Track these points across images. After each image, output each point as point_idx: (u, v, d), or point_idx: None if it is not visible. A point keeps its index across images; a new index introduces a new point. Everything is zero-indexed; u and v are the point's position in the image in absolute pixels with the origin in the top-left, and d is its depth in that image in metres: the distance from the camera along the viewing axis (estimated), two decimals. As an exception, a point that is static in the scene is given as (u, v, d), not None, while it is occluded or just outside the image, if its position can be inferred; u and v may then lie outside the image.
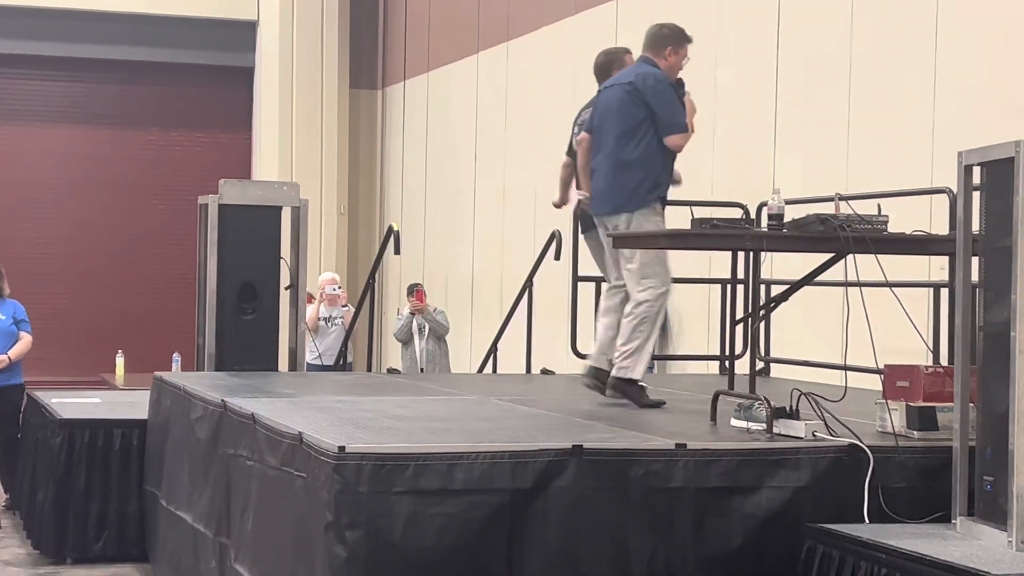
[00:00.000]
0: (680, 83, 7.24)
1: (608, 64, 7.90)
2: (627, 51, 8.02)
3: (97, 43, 19.00)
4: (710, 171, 11.73)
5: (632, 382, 7.02)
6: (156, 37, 19.07)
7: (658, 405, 7.01)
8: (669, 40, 7.26)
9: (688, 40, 7.32)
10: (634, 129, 7.05)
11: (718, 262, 10.33)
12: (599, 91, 7.47)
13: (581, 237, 7.93)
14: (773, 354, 9.47)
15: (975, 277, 5.21)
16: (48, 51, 18.92)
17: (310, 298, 12.93)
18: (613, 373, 7.10)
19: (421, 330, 13.43)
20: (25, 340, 11.00)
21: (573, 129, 7.97)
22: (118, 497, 9.01)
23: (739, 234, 6.43)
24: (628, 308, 7.10)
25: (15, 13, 18.48)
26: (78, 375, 16.99)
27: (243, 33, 19.31)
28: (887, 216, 6.27)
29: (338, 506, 4.98)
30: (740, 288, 8.23)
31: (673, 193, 10.60)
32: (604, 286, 7.74)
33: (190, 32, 19.21)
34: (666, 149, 7.07)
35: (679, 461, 5.32)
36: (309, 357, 12.89)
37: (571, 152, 7.97)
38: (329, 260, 18.25)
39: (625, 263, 7.13)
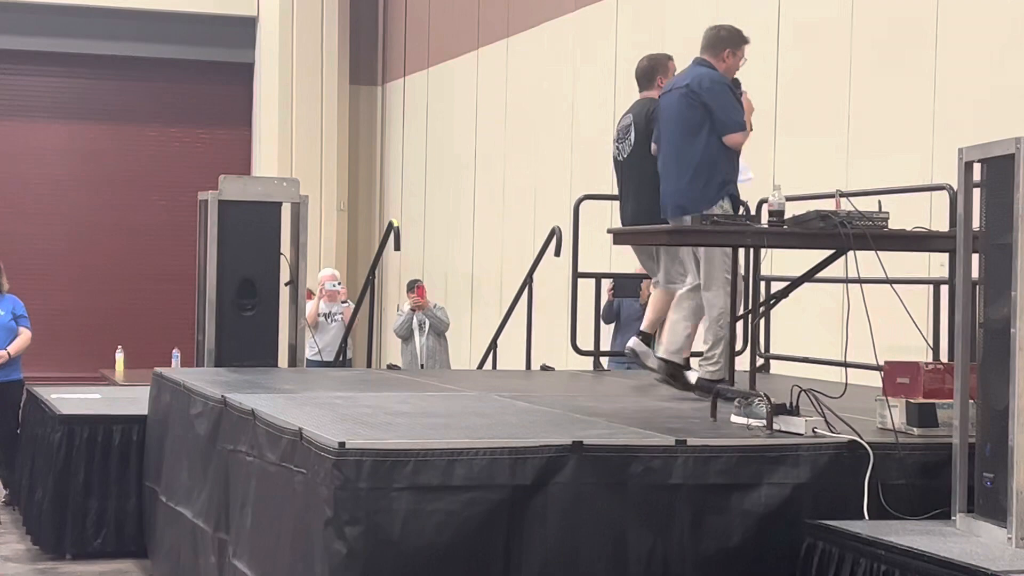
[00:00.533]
0: (736, 83, 7.27)
1: (652, 70, 7.92)
2: (670, 57, 8.04)
3: (97, 39, 19.00)
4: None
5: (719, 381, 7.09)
6: (156, 33, 19.06)
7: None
8: (727, 42, 7.28)
9: (745, 41, 7.35)
10: (695, 130, 7.06)
11: (718, 259, 10.32)
12: (659, 98, 7.44)
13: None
14: (773, 350, 9.47)
15: (975, 274, 5.21)
16: (48, 47, 18.92)
17: (310, 294, 12.93)
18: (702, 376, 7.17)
19: (421, 326, 13.43)
20: (24, 336, 11.00)
21: (614, 144, 7.99)
22: (117, 493, 9.01)
23: (739, 230, 6.43)
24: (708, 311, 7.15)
25: (14, 8, 18.48)
26: (78, 371, 16.99)
27: (243, 29, 19.30)
28: (887, 213, 6.27)
29: (338, 502, 4.98)
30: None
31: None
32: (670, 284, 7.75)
33: (190, 28, 19.20)
34: (728, 148, 7.07)
35: (679, 457, 5.32)
36: (309, 353, 12.89)
37: (617, 166, 7.96)
38: (329, 256, 18.25)
39: (703, 264, 7.16)
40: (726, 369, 7.08)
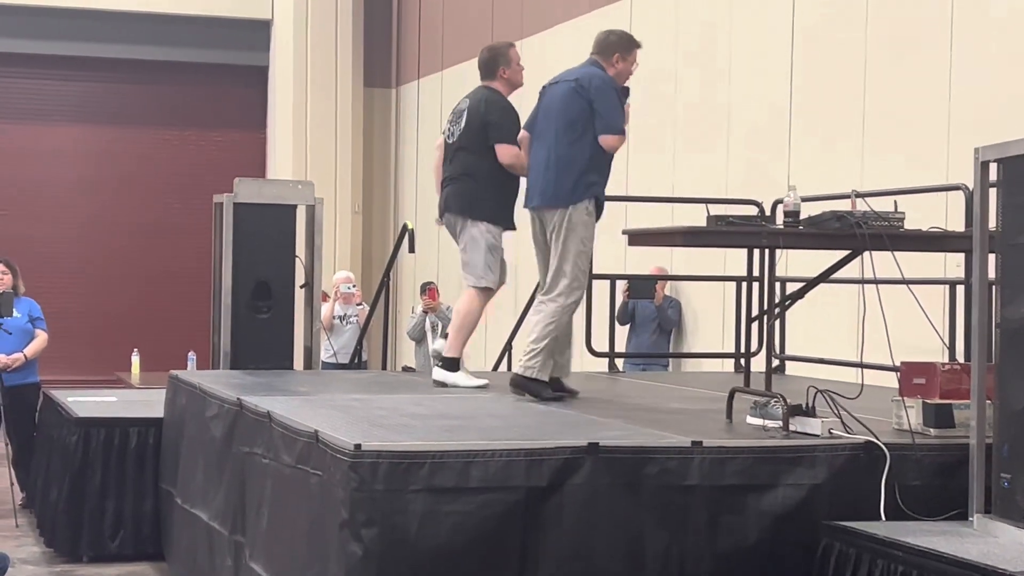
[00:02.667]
0: (626, 91, 7.29)
1: (493, 60, 7.98)
2: (511, 45, 8.16)
3: (111, 42, 19.04)
4: (725, 168, 11.72)
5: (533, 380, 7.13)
6: (170, 36, 19.10)
7: (559, 398, 7.11)
8: (617, 47, 7.31)
9: (637, 46, 7.38)
10: (575, 125, 7.11)
11: (733, 259, 10.30)
12: (543, 88, 7.49)
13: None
14: (788, 351, 9.46)
15: (992, 274, 5.19)
16: (63, 50, 18.96)
17: (325, 296, 12.93)
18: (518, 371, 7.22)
19: (434, 328, 13.43)
20: (41, 338, 11.02)
21: (447, 126, 8.05)
22: (134, 495, 9.02)
23: (755, 231, 6.42)
24: (547, 307, 7.14)
25: (30, 12, 18.53)
26: (94, 373, 17.02)
27: (257, 32, 19.33)
28: (903, 213, 6.25)
29: (354, 504, 4.98)
30: (755, 285, 8.21)
31: (690, 191, 10.71)
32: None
33: (204, 31, 19.24)
34: (603, 150, 7.11)
35: (695, 459, 5.31)
36: (324, 355, 12.89)
37: (445, 148, 8.05)
38: (344, 259, 18.26)
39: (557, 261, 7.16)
40: (543, 372, 7.09)
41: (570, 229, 7.08)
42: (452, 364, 7.89)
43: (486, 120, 7.69)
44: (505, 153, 7.59)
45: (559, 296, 7.11)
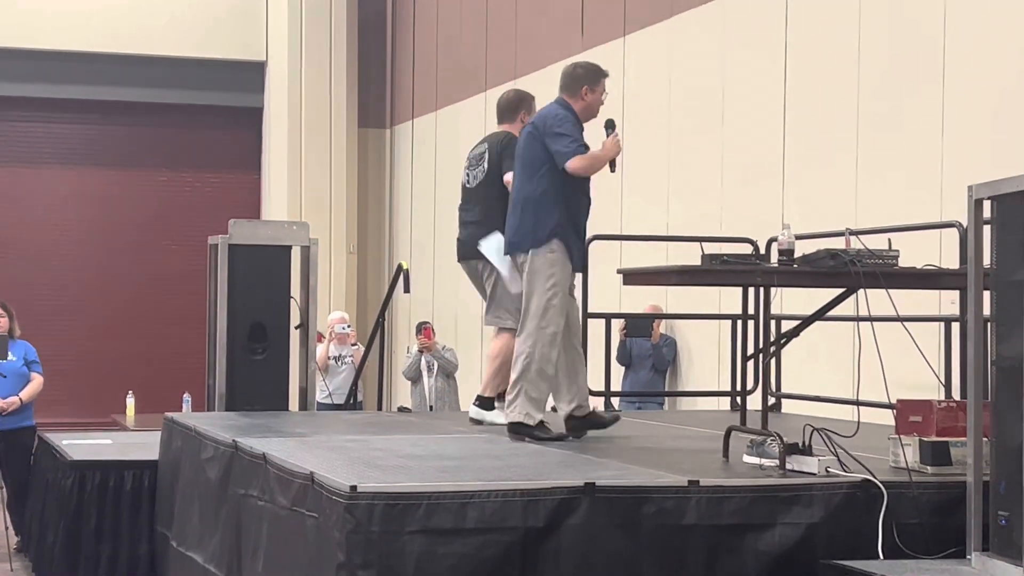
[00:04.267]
0: (611, 123, 7.27)
1: (517, 103, 8.16)
2: (534, 98, 8.21)
3: (106, 85, 19.07)
4: (719, 206, 11.73)
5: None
6: (165, 78, 19.14)
7: (560, 438, 7.08)
8: (584, 80, 7.29)
9: (604, 75, 7.36)
10: (535, 168, 7.10)
11: (728, 298, 10.31)
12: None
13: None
14: (784, 389, 9.45)
15: (987, 311, 5.20)
16: (56, 93, 18.99)
17: (320, 337, 12.93)
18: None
19: (430, 368, 13.41)
20: (36, 381, 11.01)
21: (464, 171, 8.16)
22: (129, 538, 8.98)
23: (749, 270, 6.42)
24: (519, 348, 7.12)
25: (25, 56, 18.56)
26: (89, 416, 16.97)
27: (252, 74, 19.38)
28: (897, 251, 6.26)
29: (350, 546, 4.96)
30: (751, 324, 8.22)
31: (684, 229, 10.66)
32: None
33: (199, 73, 19.28)
34: (571, 187, 7.07)
35: (692, 498, 5.30)
36: (319, 396, 12.87)
37: (464, 192, 8.13)
38: (339, 299, 18.25)
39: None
40: (527, 415, 7.04)
41: (533, 272, 7.06)
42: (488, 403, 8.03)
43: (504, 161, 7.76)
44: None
45: (528, 337, 7.07)
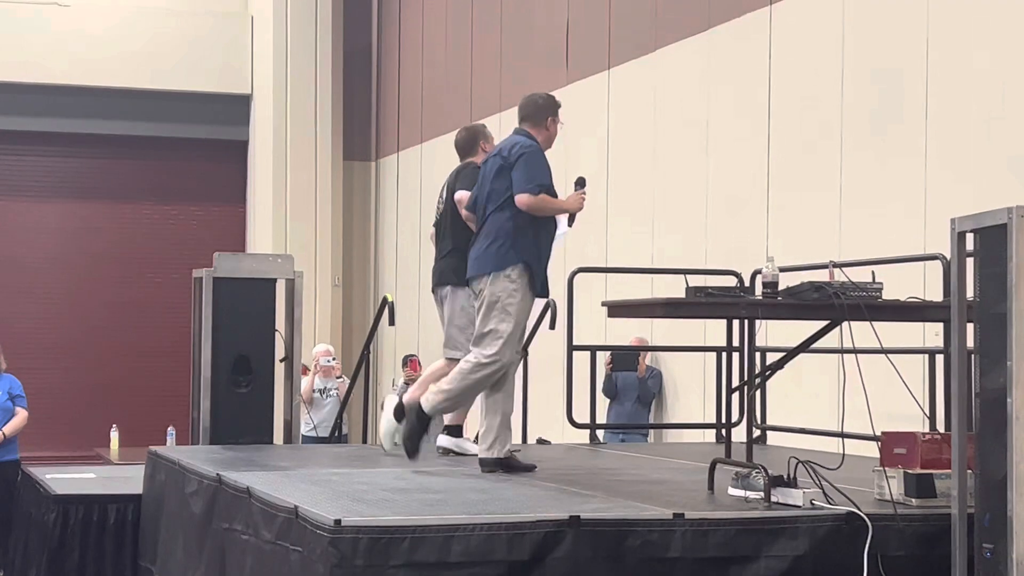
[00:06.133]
0: (581, 181, 7.32)
1: (473, 138, 8.18)
2: (485, 126, 8.36)
3: (91, 118, 19.10)
4: (704, 239, 11.76)
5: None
6: (150, 111, 19.17)
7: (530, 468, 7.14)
8: (547, 109, 7.35)
9: (559, 105, 7.43)
10: (498, 194, 7.14)
11: (713, 330, 10.32)
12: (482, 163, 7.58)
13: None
14: (769, 422, 9.45)
15: (970, 343, 5.21)
16: (42, 127, 19.01)
17: (305, 370, 12.91)
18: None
19: (416, 401, 13.38)
20: (20, 415, 10.97)
21: (437, 203, 8.24)
22: (112, 572, 8.92)
23: (734, 302, 6.43)
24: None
25: (9, 89, 18.57)
26: (73, 450, 16.92)
27: (237, 107, 19.41)
28: (881, 284, 6.27)
29: (334, 580, 4.94)
30: (735, 356, 8.23)
31: (669, 262, 10.67)
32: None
33: (184, 106, 19.30)
34: (537, 219, 7.10)
35: (677, 531, 5.29)
36: (304, 429, 12.84)
37: (436, 223, 8.25)
38: (324, 332, 18.24)
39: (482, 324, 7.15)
40: (499, 450, 7.12)
41: (491, 297, 7.08)
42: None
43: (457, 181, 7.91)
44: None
45: (475, 363, 7.12)
